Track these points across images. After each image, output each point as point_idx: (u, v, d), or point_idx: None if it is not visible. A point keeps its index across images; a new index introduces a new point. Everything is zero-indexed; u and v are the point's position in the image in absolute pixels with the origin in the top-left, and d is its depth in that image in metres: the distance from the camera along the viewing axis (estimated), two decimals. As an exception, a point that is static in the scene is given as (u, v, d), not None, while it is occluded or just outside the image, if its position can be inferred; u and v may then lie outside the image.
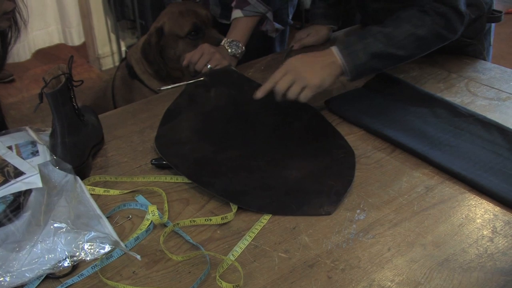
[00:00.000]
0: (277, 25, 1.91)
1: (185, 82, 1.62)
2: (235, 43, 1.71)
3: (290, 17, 2.06)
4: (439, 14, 1.37)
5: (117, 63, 4.28)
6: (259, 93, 1.36)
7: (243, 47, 1.73)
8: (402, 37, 1.36)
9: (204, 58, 1.63)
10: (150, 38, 1.84)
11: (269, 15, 1.81)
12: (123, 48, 4.38)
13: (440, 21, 1.37)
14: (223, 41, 1.73)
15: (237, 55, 1.72)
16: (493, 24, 1.71)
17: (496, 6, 1.69)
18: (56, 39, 4.63)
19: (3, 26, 1.25)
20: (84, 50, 4.46)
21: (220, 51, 1.68)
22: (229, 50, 1.71)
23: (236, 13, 1.75)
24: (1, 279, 0.90)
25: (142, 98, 1.70)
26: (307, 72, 1.33)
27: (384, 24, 1.38)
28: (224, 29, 1.92)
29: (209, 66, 1.62)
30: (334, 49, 1.37)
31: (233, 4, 1.77)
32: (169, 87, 1.64)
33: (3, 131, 1.28)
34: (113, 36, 4.32)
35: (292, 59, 1.37)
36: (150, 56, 1.83)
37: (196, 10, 1.83)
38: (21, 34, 1.35)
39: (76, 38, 4.55)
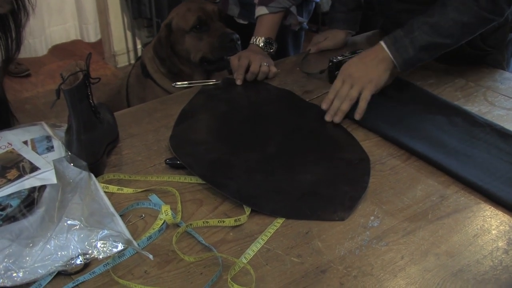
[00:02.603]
0: (300, 19, 1.91)
1: (201, 81, 1.63)
2: (268, 40, 1.72)
3: (305, 22, 2.05)
4: None
5: (132, 61, 4.30)
6: (324, 105, 1.42)
7: (276, 44, 1.74)
8: (448, 25, 1.38)
9: (255, 58, 1.61)
10: (160, 34, 1.87)
11: (293, 9, 1.81)
12: (139, 46, 4.40)
13: (487, 5, 1.37)
14: (256, 40, 1.72)
15: (272, 53, 1.73)
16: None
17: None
18: (72, 35, 4.66)
19: (4, 10, 1.24)
20: (100, 47, 4.48)
21: (257, 51, 1.68)
22: (264, 48, 1.71)
23: (261, 10, 1.74)
24: (14, 274, 0.91)
25: (154, 97, 1.71)
26: (362, 74, 1.39)
27: (429, 13, 1.40)
28: (241, 29, 1.92)
29: (265, 64, 1.61)
30: (383, 44, 1.42)
31: (256, 0, 1.76)
32: (185, 83, 1.65)
33: (17, 126, 1.28)
34: (129, 34, 4.33)
35: (345, 66, 1.43)
36: (162, 52, 1.85)
37: (203, 6, 1.85)
38: (29, 17, 1.35)
39: (93, 35, 4.58)
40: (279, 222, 1.07)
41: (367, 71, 1.40)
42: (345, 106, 1.40)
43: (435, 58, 1.50)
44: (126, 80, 2.00)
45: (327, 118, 1.41)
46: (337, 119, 1.40)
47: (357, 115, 1.39)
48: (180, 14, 1.85)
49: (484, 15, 1.39)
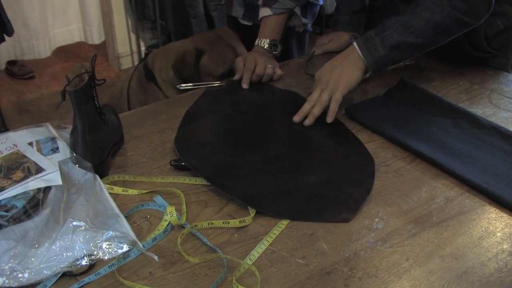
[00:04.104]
0: (304, 20, 1.91)
1: (206, 83, 1.63)
2: (273, 42, 1.72)
3: (310, 25, 2.05)
4: None
5: (136, 63, 4.31)
6: (297, 117, 1.40)
7: (280, 46, 1.74)
8: (420, 24, 1.35)
9: (260, 61, 1.61)
10: (186, 56, 1.76)
11: (297, 10, 1.81)
12: (143, 48, 4.41)
13: (461, 6, 1.34)
14: (261, 42, 1.72)
15: (277, 55, 1.73)
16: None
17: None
18: (76, 37, 4.67)
19: None
20: (104, 49, 4.50)
21: (262, 52, 1.68)
22: (269, 50, 1.71)
23: (265, 11, 1.74)
24: (20, 275, 0.91)
25: (156, 102, 1.69)
26: (332, 77, 1.37)
27: (402, 13, 1.38)
28: (245, 31, 1.92)
29: (270, 66, 1.61)
30: (355, 44, 1.40)
31: (260, 2, 1.76)
32: (190, 85, 1.64)
33: (22, 127, 1.29)
34: (133, 36, 4.34)
35: (318, 71, 1.42)
36: (184, 71, 1.76)
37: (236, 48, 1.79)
38: None
39: (97, 37, 4.59)
40: (283, 223, 1.07)
41: (337, 73, 1.38)
42: (316, 110, 1.38)
43: (440, 60, 1.49)
44: (128, 83, 1.99)
45: (295, 118, 1.40)
46: (307, 122, 1.39)
47: (329, 118, 1.38)
48: (213, 54, 1.75)
49: (458, 16, 1.35)
